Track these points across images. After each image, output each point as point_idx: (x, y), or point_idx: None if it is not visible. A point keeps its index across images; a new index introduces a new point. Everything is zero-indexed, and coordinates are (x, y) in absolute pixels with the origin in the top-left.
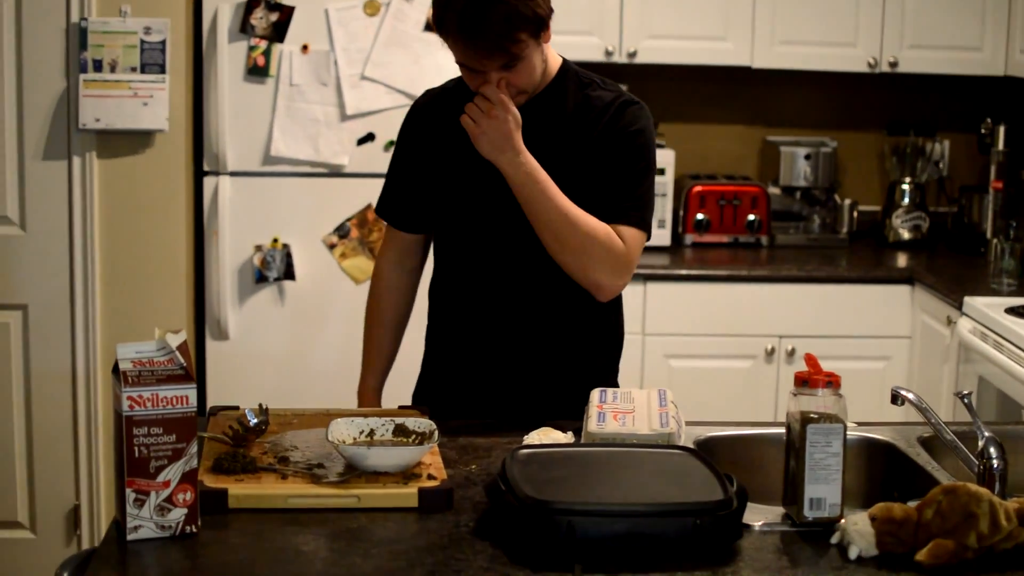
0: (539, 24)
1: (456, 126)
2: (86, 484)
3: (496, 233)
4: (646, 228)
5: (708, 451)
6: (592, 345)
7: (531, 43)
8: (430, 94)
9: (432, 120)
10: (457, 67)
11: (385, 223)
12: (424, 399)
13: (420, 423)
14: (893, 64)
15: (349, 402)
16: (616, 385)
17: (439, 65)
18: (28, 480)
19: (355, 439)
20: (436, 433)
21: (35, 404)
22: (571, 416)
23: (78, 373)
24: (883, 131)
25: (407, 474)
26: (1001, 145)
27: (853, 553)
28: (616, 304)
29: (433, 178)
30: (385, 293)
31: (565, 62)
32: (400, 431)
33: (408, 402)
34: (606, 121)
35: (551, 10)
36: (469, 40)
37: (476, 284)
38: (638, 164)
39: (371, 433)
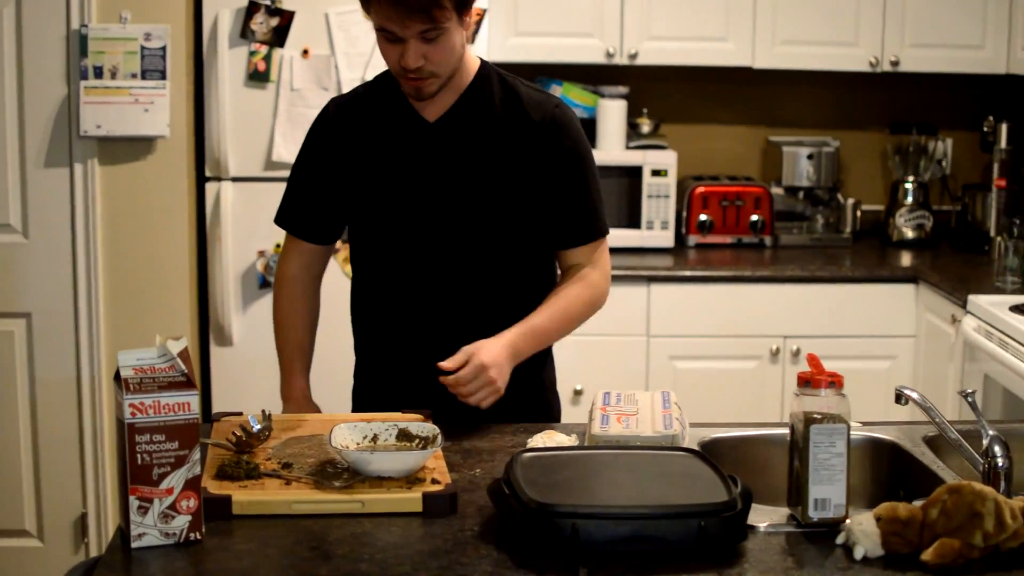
0: None
1: (370, 131)
2: (93, 492)
3: (418, 236)
4: (607, 228)
5: (712, 452)
6: None
7: (453, 17)
8: (337, 102)
9: (344, 127)
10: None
11: (286, 235)
12: (362, 402)
13: (423, 427)
14: (895, 63)
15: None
16: (551, 377)
17: None
18: (35, 488)
19: (358, 444)
20: (439, 437)
21: (40, 412)
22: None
23: (83, 380)
24: (885, 130)
25: (411, 479)
26: (1004, 143)
27: (859, 553)
28: (538, 296)
29: (346, 187)
30: (297, 299)
31: (484, 61)
32: (404, 436)
33: (338, 405)
34: (542, 129)
35: None
36: None
37: (401, 285)
38: (589, 177)
39: (375, 438)
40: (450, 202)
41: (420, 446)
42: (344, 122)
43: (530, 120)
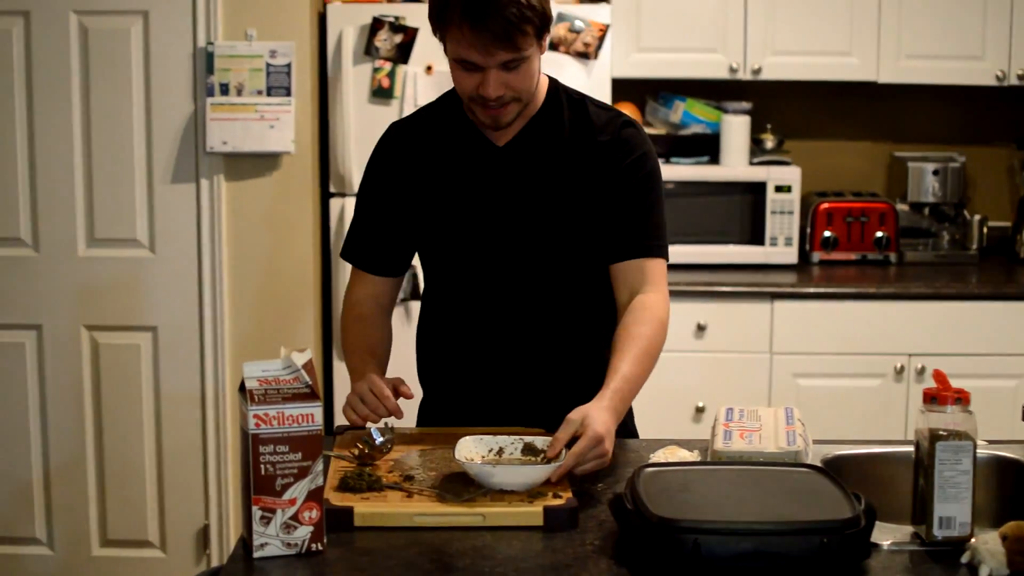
0: (544, 23)
1: (435, 156)
2: (215, 503)
3: (489, 262)
4: (666, 253)
5: (836, 469)
6: (594, 361)
7: (534, 43)
8: (397, 127)
9: (408, 153)
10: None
11: (352, 266)
12: (427, 421)
13: (547, 442)
14: (1022, 77)
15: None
16: (632, 421)
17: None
18: (158, 500)
19: (483, 457)
20: (564, 452)
21: (165, 425)
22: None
23: (207, 394)
24: (1012, 145)
25: (533, 493)
26: None
27: (983, 572)
28: (604, 318)
29: (413, 215)
30: (367, 327)
31: (552, 79)
32: (529, 450)
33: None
34: (608, 148)
35: (552, 18)
36: (477, 24)
37: (472, 311)
38: (651, 195)
39: (500, 451)
40: (521, 227)
41: (544, 460)
42: (407, 147)
43: (598, 140)
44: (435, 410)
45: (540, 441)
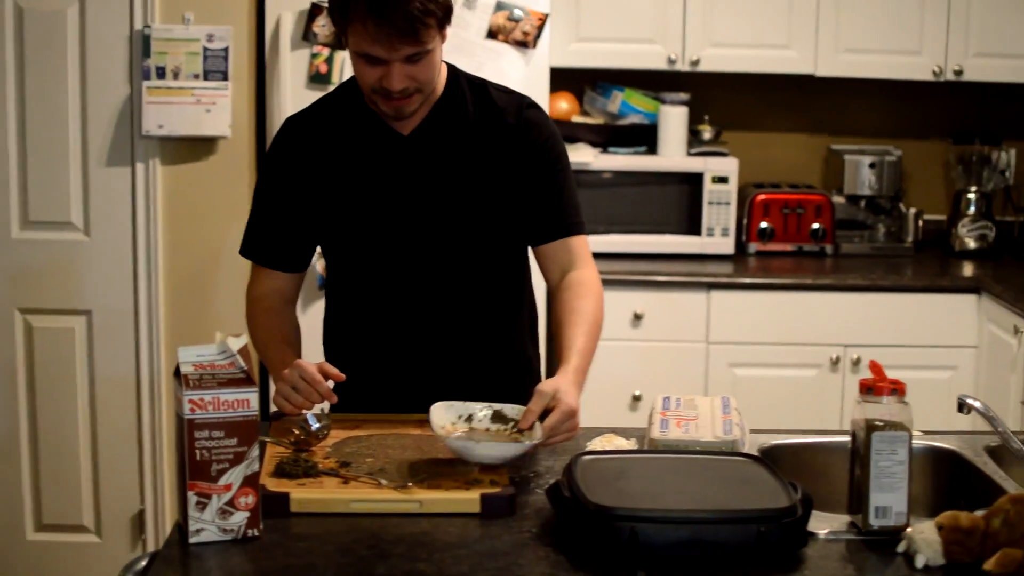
0: (447, 14)
1: (336, 149)
2: (151, 488)
3: (400, 252)
4: (586, 228)
5: (772, 459)
6: (504, 349)
7: (437, 35)
8: (293, 121)
9: (307, 147)
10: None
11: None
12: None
13: (516, 409)
14: (958, 72)
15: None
16: (536, 373)
17: (502, 72)
18: (93, 484)
19: (454, 424)
20: (538, 429)
21: (100, 409)
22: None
23: (142, 378)
24: (948, 140)
25: (469, 479)
26: None
27: (920, 562)
28: (514, 300)
29: (316, 210)
30: (274, 318)
31: (451, 65)
32: (498, 418)
33: None
34: (516, 131)
35: (452, 7)
36: (380, 20)
37: (383, 302)
38: (564, 174)
39: (470, 418)
40: (432, 215)
41: (515, 430)
42: (306, 142)
43: (505, 123)
44: (346, 402)
45: (509, 409)
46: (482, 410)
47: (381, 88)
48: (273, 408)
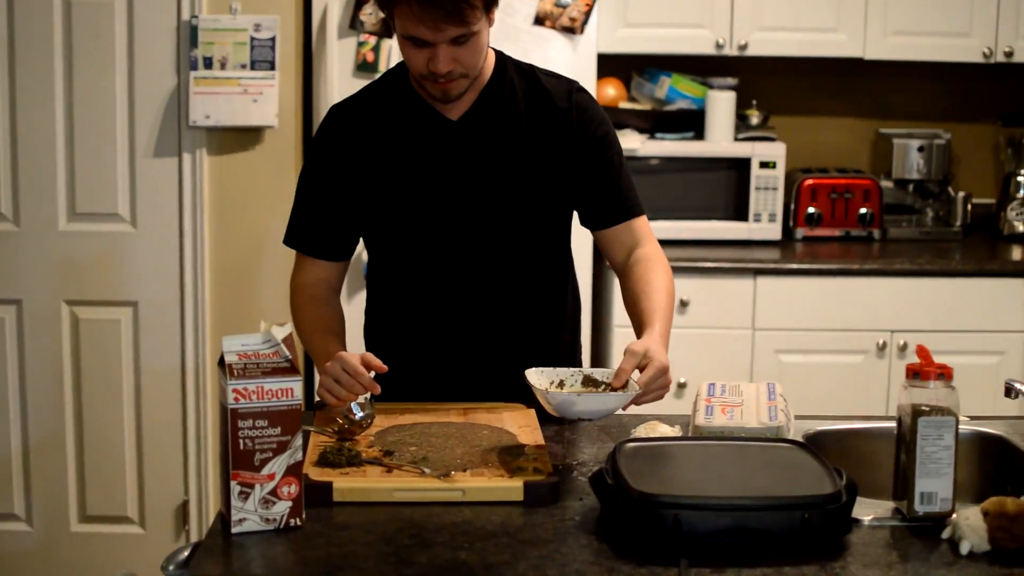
0: None
1: (384, 136)
2: (195, 479)
3: (449, 240)
4: (644, 207)
5: (817, 445)
6: (554, 328)
7: (483, 17)
8: (339, 109)
9: (353, 135)
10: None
11: (296, 252)
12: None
13: (606, 373)
14: (1008, 54)
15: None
16: (579, 364)
17: (549, 58)
18: (138, 475)
19: (547, 389)
20: (632, 382)
21: (145, 400)
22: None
23: (187, 369)
24: (998, 122)
25: (512, 467)
26: None
27: (964, 548)
28: (559, 289)
29: (361, 198)
30: (321, 307)
31: (499, 51)
32: (589, 381)
33: None
34: (568, 115)
35: None
36: (426, 1)
37: (428, 291)
38: (619, 157)
39: (561, 384)
40: (481, 200)
41: (607, 390)
42: (352, 128)
43: (556, 107)
44: (389, 391)
45: (599, 372)
46: (573, 374)
47: (429, 73)
48: (317, 398)
